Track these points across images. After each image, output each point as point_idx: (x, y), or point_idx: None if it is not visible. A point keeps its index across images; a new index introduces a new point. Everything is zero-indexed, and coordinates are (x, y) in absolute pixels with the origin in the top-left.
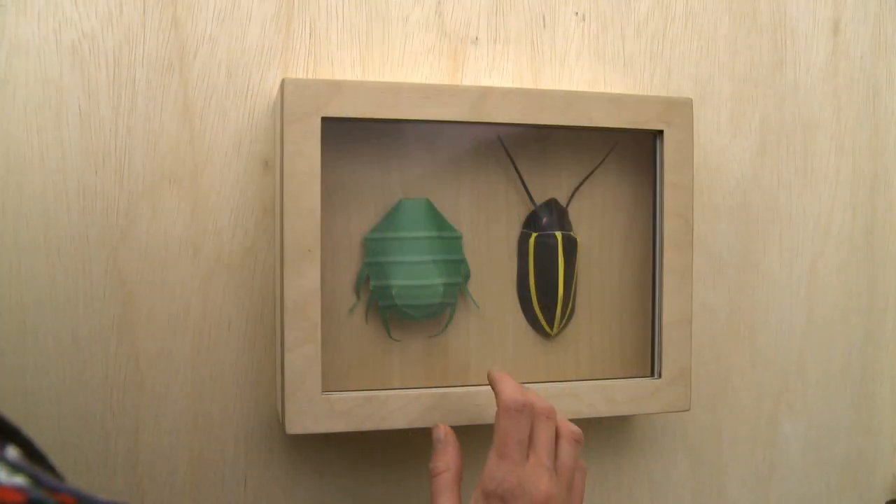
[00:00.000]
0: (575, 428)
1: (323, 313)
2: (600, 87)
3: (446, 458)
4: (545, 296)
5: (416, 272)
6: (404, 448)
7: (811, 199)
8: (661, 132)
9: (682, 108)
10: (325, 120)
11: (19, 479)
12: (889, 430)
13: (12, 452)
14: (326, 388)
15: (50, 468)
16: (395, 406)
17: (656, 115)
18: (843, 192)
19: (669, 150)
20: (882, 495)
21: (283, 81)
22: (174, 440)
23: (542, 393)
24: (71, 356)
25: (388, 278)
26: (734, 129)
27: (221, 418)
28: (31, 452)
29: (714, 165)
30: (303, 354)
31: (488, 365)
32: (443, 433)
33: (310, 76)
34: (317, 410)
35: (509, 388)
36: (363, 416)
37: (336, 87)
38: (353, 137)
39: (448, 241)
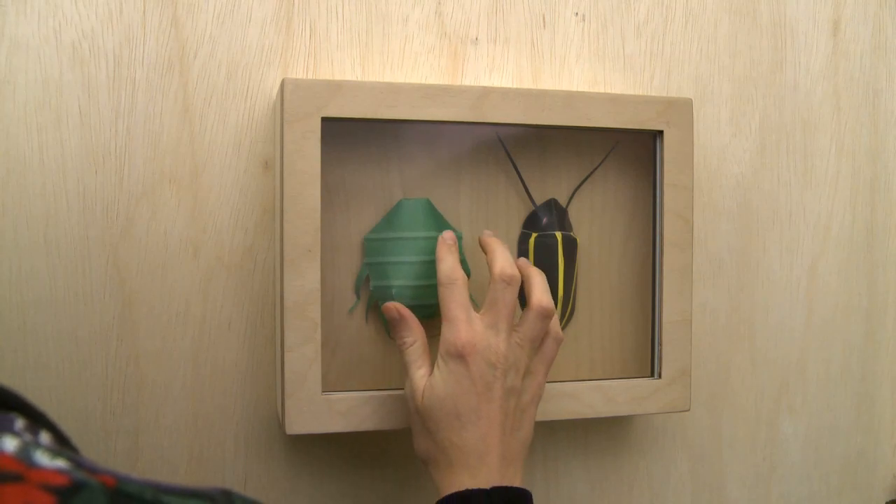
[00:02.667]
0: (546, 301)
1: (323, 313)
2: (600, 88)
3: (412, 329)
4: None
5: (416, 272)
6: (404, 448)
7: (811, 199)
8: (661, 132)
9: (682, 108)
10: (325, 120)
11: (61, 463)
12: (889, 430)
13: (45, 437)
14: (326, 388)
15: (75, 450)
16: (394, 406)
17: (656, 115)
18: (843, 193)
19: (669, 150)
20: (882, 495)
21: (283, 81)
22: (174, 440)
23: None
24: (71, 356)
25: (388, 278)
26: (734, 129)
27: (221, 418)
28: (58, 436)
29: (714, 165)
30: (303, 354)
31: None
32: (397, 311)
33: (310, 76)
34: (317, 410)
35: (502, 258)
36: (363, 416)
37: (336, 87)
38: (353, 137)
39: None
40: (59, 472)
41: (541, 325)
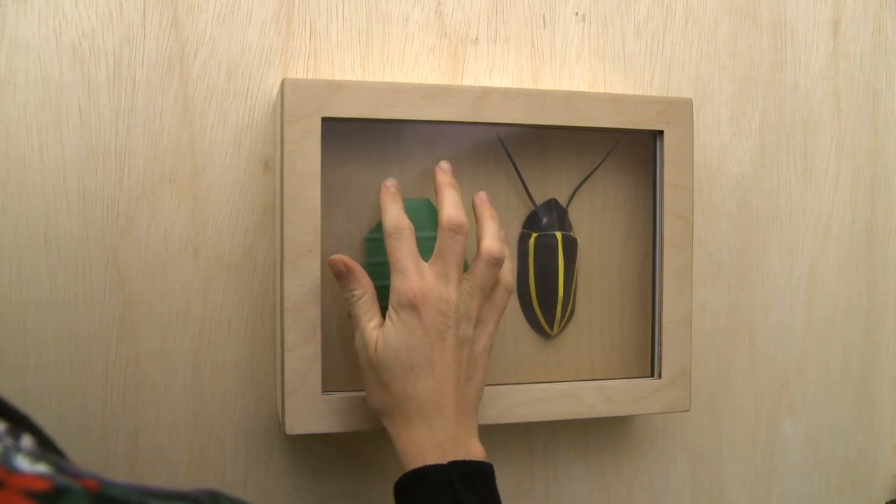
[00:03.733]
0: (496, 248)
1: (323, 313)
2: (600, 88)
3: (360, 282)
4: (545, 296)
5: None
6: None
7: (811, 199)
8: (661, 132)
9: (682, 108)
10: (325, 120)
11: (42, 467)
12: (889, 430)
13: (27, 441)
14: (326, 388)
15: (59, 453)
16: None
17: (656, 115)
18: (843, 193)
19: (669, 150)
20: (882, 495)
21: (283, 81)
22: (174, 440)
23: (542, 393)
24: (71, 356)
25: (388, 278)
26: (734, 129)
27: (221, 418)
28: (41, 439)
29: (714, 165)
30: (303, 354)
31: (488, 365)
32: (343, 264)
33: (310, 76)
34: (317, 410)
35: (450, 205)
36: (363, 416)
37: (336, 87)
38: (353, 137)
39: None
40: (40, 476)
41: (490, 273)
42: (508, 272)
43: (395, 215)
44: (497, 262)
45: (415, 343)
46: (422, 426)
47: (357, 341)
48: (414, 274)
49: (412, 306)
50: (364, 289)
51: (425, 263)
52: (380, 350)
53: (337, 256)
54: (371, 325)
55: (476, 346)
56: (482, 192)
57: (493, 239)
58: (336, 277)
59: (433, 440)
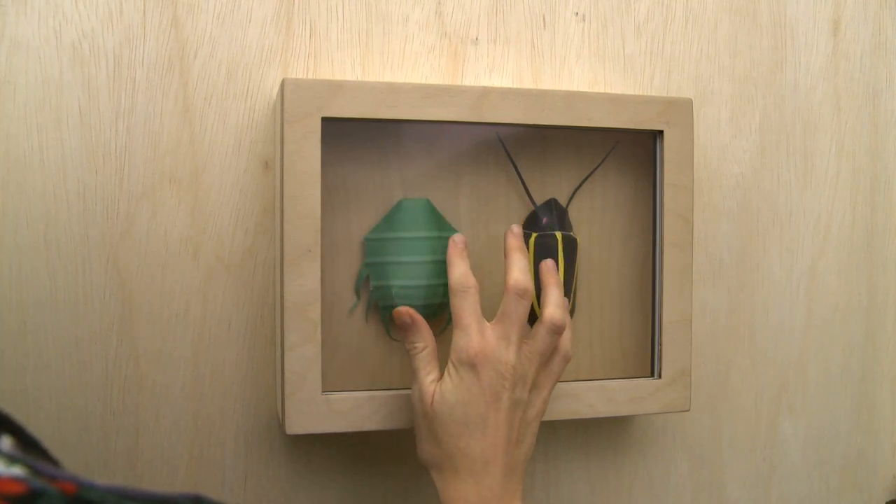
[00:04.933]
0: (558, 317)
1: (323, 313)
2: (600, 88)
3: (423, 335)
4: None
5: (416, 272)
6: (404, 448)
7: (811, 199)
8: (661, 132)
9: (682, 108)
10: (325, 120)
11: (17, 470)
12: (889, 430)
13: (6, 442)
14: (326, 389)
15: (44, 454)
16: (395, 406)
17: (656, 115)
18: (843, 193)
19: (669, 150)
20: (882, 496)
21: (283, 81)
22: (174, 440)
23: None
24: (71, 356)
25: (389, 278)
26: (734, 129)
27: (221, 418)
28: (24, 440)
29: (714, 165)
30: (303, 354)
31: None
32: (409, 316)
33: (310, 76)
34: (317, 410)
35: (518, 270)
36: (363, 416)
37: (336, 87)
38: (353, 137)
39: (448, 241)
40: (15, 479)
41: (551, 340)
42: (568, 340)
43: (461, 272)
44: (558, 330)
45: (471, 400)
46: (469, 482)
47: (414, 393)
48: (476, 333)
49: (471, 365)
50: (426, 342)
51: (488, 324)
52: (436, 404)
53: (404, 308)
54: (429, 379)
55: (530, 410)
56: (549, 259)
57: (557, 307)
58: (399, 328)
59: (479, 496)
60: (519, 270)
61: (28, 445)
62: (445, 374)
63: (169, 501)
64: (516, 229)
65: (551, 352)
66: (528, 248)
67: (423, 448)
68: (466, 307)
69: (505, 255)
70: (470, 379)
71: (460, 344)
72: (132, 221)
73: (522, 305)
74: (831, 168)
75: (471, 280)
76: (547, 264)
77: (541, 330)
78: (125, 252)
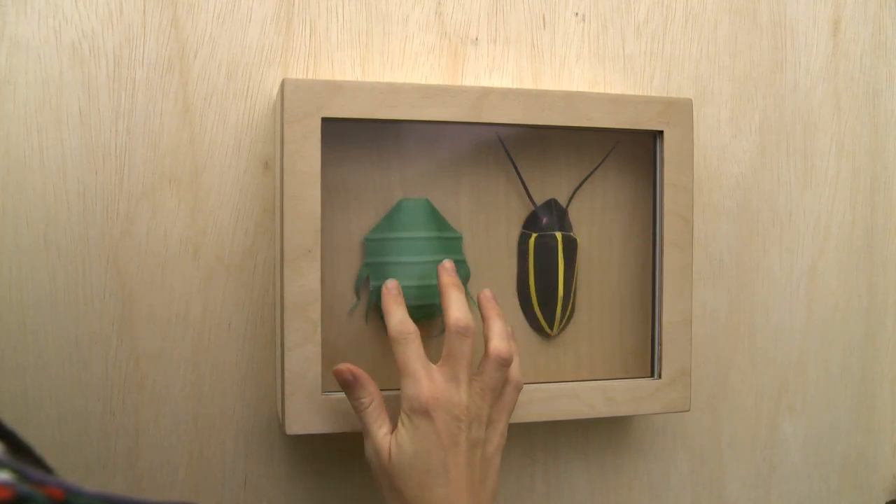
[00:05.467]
0: (504, 349)
1: (323, 313)
2: (600, 88)
3: (367, 390)
4: (545, 296)
5: (416, 273)
6: None
7: (811, 199)
8: (660, 132)
9: (682, 108)
10: (325, 120)
11: (4, 475)
12: (889, 430)
13: None
14: (326, 389)
15: (36, 460)
16: (395, 406)
17: (656, 116)
18: (843, 193)
19: (669, 150)
20: (882, 496)
21: (283, 82)
22: (174, 440)
23: (542, 393)
24: (71, 356)
25: (388, 278)
26: (734, 129)
27: (221, 418)
28: (15, 445)
29: (714, 165)
30: (303, 354)
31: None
32: (350, 374)
33: (310, 76)
34: (317, 410)
35: (455, 308)
36: None
37: (336, 87)
38: (353, 138)
39: (448, 241)
40: (2, 484)
41: (500, 374)
42: (517, 369)
43: (399, 319)
44: (506, 363)
45: (429, 448)
46: None
47: (367, 449)
48: (424, 379)
49: (424, 412)
50: (371, 396)
51: (434, 366)
52: (394, 457)
53: (343, 366)
54: (381, 433)
55: (488, 447)
56: (487, 289)
57: (501, 339)
58: (342, 386)
59: None
60: (457, 308)
61: (20, 451)
62: (399, 424)
63: None
64: (448, 264)
65: (502, 384)
66: (528, 249)
67: (388, 502)
68: (410, 353)
69: (440, 293)
70: (425, 426)
71: (410, 392)
72: (132, 221)
73: (466, 343)
74: (831, 168)
75: (410, 326)
76: (486, 295)
77: (489, 365)
78: (125, 252)
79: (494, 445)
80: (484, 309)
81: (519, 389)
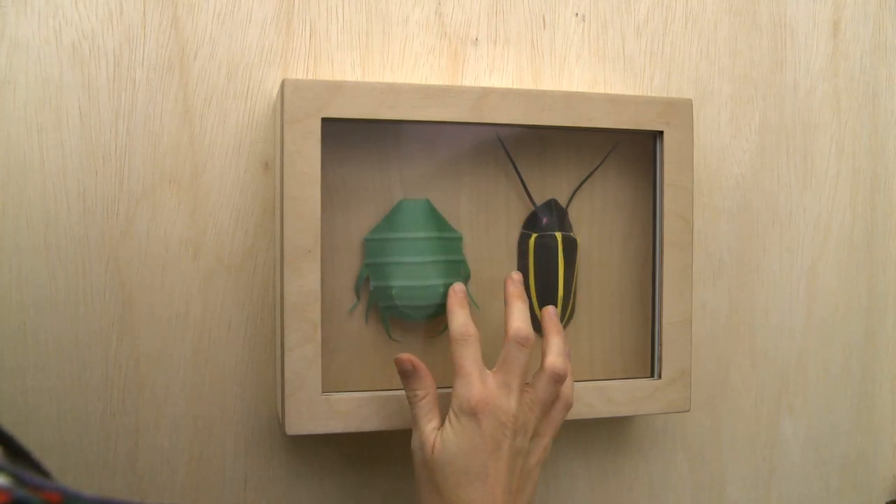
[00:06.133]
0: (559, 365)
1: (323, 313)
2: (600, 88)
3: (424, 383)
4: (545, 296)
5: (416, 273)
6: (404, 449)
7: (811, 199)
8: (660, 133)
9: (682, 108)
10: (325, 121)
11: (1, 479)
12: (889, 430)
13: None
14: (326, 389)
15: (33, 464)
16: (395, 407)
17: (656, 116)
18: (843, 193)
19: (669, 150)
20: (882, 496)
21: (283, 82)
22: (174, 440)
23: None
24: (71, 357)
25: (389, 279)
26: (734, 130)
27: (221, 419)
28: (13, 449)
29: (714, 166)
30: (303, 355)
31: (488, 366)
32: (410, 364)
33: (310, 77)
34: (317, 411)
35: (518, 318)
36: (363, 417)
37: (336, 87)
38: (353, 138)
39: (448, 241)
40: None
41: (552, 389)
42: (569, 388)
43: (462, 322)
44: (560, 379)
45: (472, 449)
46: None
47: (414, 441)
48: (477, 381)
49: (472, 413)
50: (427, 389)
51: (489, 372)
52: (437, 453)
53: (405, 356)
54: (430, 427)
55: (530, 459)
56: (551, 306)
57: (558, 355)
58: (401, 376)
59: None
60: (520, 319)
61: (18, 455)
62: (447, 422)
63: None
64: (516, 276)
65: (553, 400)
66: (528, 249)
67: (423, 497)
68: (467, 355)
69: (505, 303)
70: (471, 427)
71: (461, 392)
72: (132, 222)
73: (524, 354)
74: (831, 168)
75: (471, 329)
76: (549, 312)
77: (542, 379)
78: (125, 253)
79: (536, 458)
80: (546, 325)
81: (569, 408)
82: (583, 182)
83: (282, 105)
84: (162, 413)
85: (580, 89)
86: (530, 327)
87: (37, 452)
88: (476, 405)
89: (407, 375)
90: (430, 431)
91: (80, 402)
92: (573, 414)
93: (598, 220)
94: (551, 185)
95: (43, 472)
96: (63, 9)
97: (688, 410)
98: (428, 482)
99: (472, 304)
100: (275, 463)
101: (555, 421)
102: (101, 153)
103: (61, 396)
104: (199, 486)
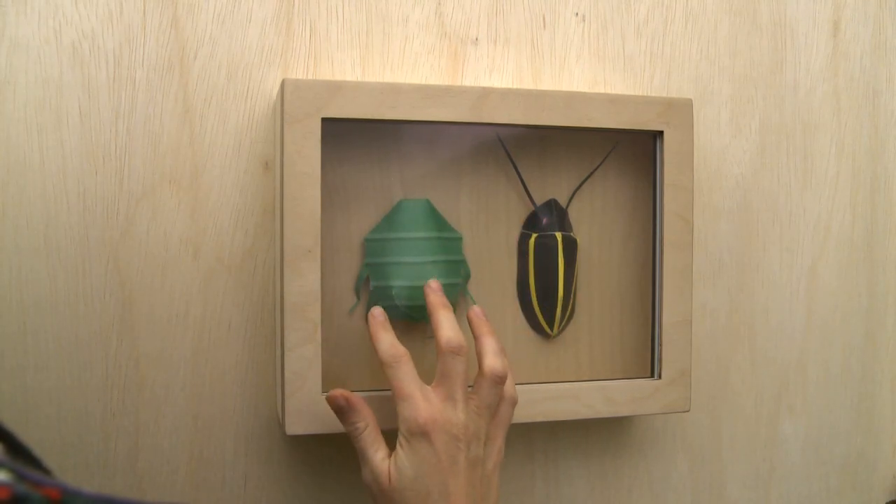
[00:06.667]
0: (498, 366)
1: (323, 313)
2: (600, 88)
3: (361, 415)
4: (545, 296)
5: (416, 273)
6: None
7: (811, 199)
8: (660, 133)
9: (682, 108)
10: (325, 120)
11: (2, 475)
12: (889, 430)
13: None
14: (326, 389)
15: (34, 461)
16: (394, 407)
17: (656, 116)
18: (843, 193)
19: (669, 150)
20: (882, 496)
21: (283, 82)
22: (174, 440)
23: (542, 393)
24: (71, 357)
25: (389, 279)
26: (734, 130)
27: (221, 419)
28: (14, 446)
29: (714, 166)
30: (303, 354)
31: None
32: (344, 399)
33: (310, 77)
34: (317, 411)
35: (447, 328)
36: None
37: (336, 87)
38: (353, 138)
39: (448, 241)
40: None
41: (496, 391)
42: (511, 384)
43: (389, 344)
44: (500, 380)
45: (429, 470)
46: None
47: (365, 475)
48: (421, 401)
49: (423, 433)
50: (366, 420)
51: (429, 388)
52: (394, 481)
53: (337, 391)
54: (379, 457)
55: (487, 464)
56: (476, 306)
57: (494, 356)
58: (336, 413)
59: None
60: (448, 328)
61: (18, 451)
62: (398, 448)
63: None
64: (434, 284)
65: (498, 401)
66: (528, 249)
67: None
68: (403, 377)
69: (429, 314)
70: (424, 448)
71: (408, 415)
72: (132, 222)
73: (460, 362)
74: (831, 168)
75: (400, 349)
76: (475, 312)
77: (484, 383)
78: (125, 253)
79: (493, 462)
80: (475, 327)
81: (514, 405)
82: (583, 182)
83: (282, 105)
84: (162, 413)
85: (580, 89)
86: (460, 335)
87: (37, 452)
88: (425, 424)
89: (342, 411)
90: (381, 461)
91: (80, 402)
92: (573, 414)
93: (598, 220)
94: (551, 185)
95: (43, 469)
96: (63, 9)
97: (688, 410)
98: None
99: (472, 304)
100: (275, 463)
101: (503, 421)
102: (101, 153)
103: (61, 396)
104: (199, 485)
